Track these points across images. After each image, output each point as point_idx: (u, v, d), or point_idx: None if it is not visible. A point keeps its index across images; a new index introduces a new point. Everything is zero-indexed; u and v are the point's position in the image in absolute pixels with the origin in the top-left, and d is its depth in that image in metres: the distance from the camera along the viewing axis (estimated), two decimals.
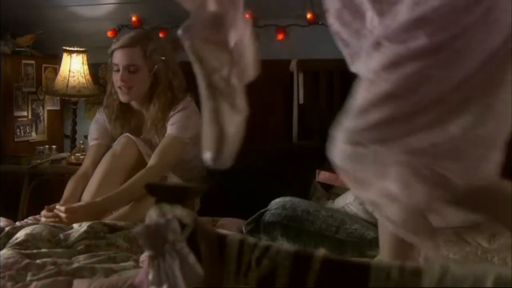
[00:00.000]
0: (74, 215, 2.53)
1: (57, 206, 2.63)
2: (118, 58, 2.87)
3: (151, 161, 2.73)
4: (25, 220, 2.67)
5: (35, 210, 2.77)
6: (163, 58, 2.92)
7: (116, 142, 2.86)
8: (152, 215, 1.05)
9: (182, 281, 1.02)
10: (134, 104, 2.98)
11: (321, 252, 1.02)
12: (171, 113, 2.86)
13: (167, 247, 1.03)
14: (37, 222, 2.58)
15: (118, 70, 2.86)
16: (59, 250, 2.16)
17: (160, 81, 2.89)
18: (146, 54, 2.86)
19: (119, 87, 2.87)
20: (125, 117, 2.98)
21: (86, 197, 2.73)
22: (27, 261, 1.99)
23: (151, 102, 2.91)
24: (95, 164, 2.86)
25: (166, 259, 1.03)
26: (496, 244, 2.23)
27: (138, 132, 2.96)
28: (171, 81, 2.91)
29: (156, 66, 2.88)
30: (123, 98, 2.89)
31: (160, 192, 1.07)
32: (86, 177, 2.84)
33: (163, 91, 2.89)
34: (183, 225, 1.04)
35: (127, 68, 2.85)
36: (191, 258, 1.03)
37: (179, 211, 1.05)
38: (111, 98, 2.98)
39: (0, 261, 1.96)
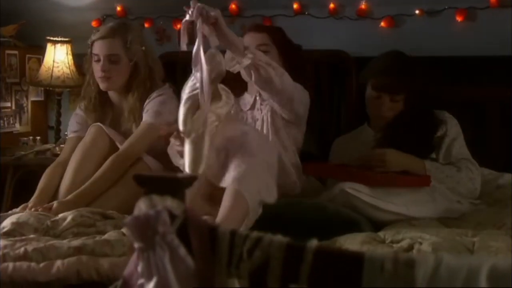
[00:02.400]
0: None
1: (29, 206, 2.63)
2: (99, 48, 2.87)
3: (121, 148, 2.74)
4: (9, 212, 2.65)
5: (19, 202, 2.74)
6: (143, 48, 2.93)
7: (87, 132, 2.85)
8: (141, 206, 1.03)
9: (172, 274, 1.01)
10: (112, 95, 2.99)
11: (314, 243, 1.01)
12: (147, 100, 2.87)
13: (157, 239, 1.01)
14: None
15: (98, 60, 2.86)
16: (48, 238, 2.14)
17: (140, 71, 2.90)
18: (126, 45, 2.87)
19: (100, 77, 2.87)
20: (103, 108, 2.99)
21: (62, 189, 2.73)
22: (23, 248, 1.99)
23: (130, 91, 2.92)
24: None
25: (156, 251, 1.01)
26: (481, 232, 2.23)
27: (117, 124, 2.95)
28: (151, 71, 2.93)
29: (136, 56, 2.90)
30: (102, 86, 2.90)
31: (150, 183, 1.05)
32: (62, 168, 2.83)
33: (142, 81, 2.91)
34: (173, 217, 1.02)
35: (107, 58, 2.86)
36: (182, 250, 1.01)
37: (169, 202, 1.04)
38: (89, 89, 2.98)
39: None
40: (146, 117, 2.84)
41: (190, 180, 1.11)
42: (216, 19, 2.16)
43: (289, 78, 2.55)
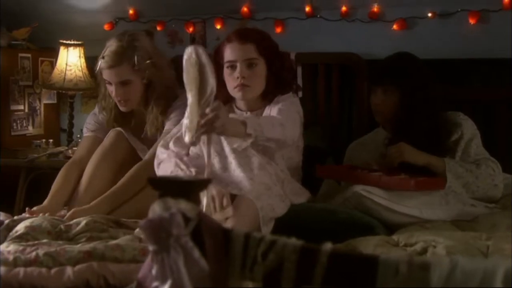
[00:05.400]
0: None
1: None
2: (108, 76, 2.82)
3: (146, 156, 2.73)
4: (23, 215, 2.65)
5: (31, 205, 2.75)
6: (151, 60, 2.85)
7: (106, 136, 2.85)
8: (155, 209, 1.03)
9: (186, 276, 1.01)
10: None
11: (328, 246, 1.01)
12: (171, 108, 2.86)
13: (171, 241, 1.01)
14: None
15: (110, 84, 2.84)
16: (60, 242, 2.14)
17: (155, 86, 2.85)
18: (134, 67, 2.81)
19: (117, 101, 2.86)
20: (124, 118, 2.96)
21: (80, 193, 2.74)
22: (34, 252, 1.99)
23: (149, 106, 2.89)
24: (90, 153, 2.85)
25: (171, 253, 1.01)
26: (495, 235, 2.21)
27: (139, 129, 2.94)
28: (164, 80, 2.88)
29: (147, 72, 2.83)
30: (122, 109, 2.89)
31: (164, 186, 1.06)
32: (77, 166, 2.84)
33: (161, 94, 2.85)
34: (187, 219, 1.02)
35: (119, 84, 2.82)
36: (196, 253, 1.01)
37: (183, 205, 1.04)
38: (107, 101, 2.94)
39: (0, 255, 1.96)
40: (170, 125, 2.80)
41: (204, 183, 1.11)
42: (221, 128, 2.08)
43: (288, 128, 2.44)
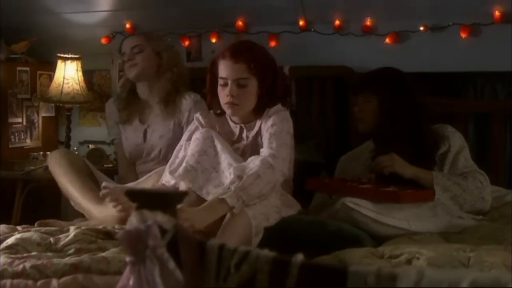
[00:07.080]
0: None
1: None
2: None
3: None
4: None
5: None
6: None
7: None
8: (133, 221, 1.06)
9: (162, 287, 1.04)
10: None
11: (300, 257, 1.04)
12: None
13: (148, 252, 1.04)
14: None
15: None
16: (49, 254, 2.17)
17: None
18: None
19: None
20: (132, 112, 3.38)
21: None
22: (21, 265, 2.01)
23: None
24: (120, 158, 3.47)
25: (147, 264, 1.04)
26: (479, 247, 2.23)
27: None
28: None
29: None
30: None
31: (141, 198, 1.09)
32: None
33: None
34: (164, 231, 1.05)
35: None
36: (171, 264, 1.04)
37: (159, 217, 1.07)
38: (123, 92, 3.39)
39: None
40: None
41: (181, 195, 1.14)
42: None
43: (277, 167, 2.44)
